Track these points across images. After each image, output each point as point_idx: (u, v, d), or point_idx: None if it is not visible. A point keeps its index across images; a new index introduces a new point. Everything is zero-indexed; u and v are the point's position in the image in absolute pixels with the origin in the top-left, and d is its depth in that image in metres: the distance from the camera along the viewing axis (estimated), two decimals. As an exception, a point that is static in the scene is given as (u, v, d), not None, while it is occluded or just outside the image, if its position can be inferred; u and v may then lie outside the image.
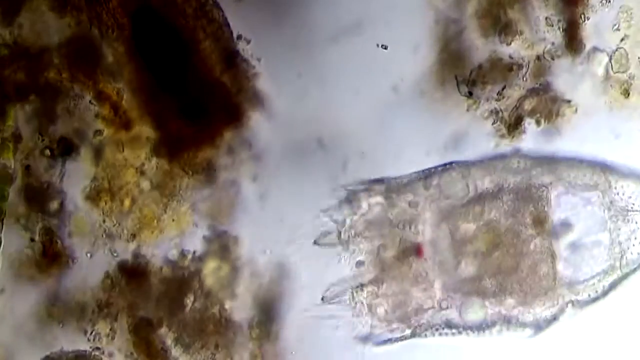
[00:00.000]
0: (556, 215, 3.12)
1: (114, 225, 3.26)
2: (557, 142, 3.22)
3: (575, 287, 3.12)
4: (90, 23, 3.19)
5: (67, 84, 3.22)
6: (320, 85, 3.25)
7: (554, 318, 3.15)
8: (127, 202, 3.25)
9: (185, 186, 3.26)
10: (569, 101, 3.20)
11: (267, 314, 3.27)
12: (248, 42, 3.23)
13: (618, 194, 3.13)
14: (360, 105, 3.25)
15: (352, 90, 3.24)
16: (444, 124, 3.23)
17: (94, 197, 3.25)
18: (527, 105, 3.21)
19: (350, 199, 3.20)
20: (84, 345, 3.25)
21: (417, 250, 3.14)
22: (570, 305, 3.14)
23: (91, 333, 3.25)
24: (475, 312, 3.12)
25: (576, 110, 3.20)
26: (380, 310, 3.15)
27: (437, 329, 3.17)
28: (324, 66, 3.25)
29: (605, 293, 3.15)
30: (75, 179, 3.26)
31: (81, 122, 3.25)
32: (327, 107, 3.25)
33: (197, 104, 3.21)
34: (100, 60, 3.21)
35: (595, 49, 3.20)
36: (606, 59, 3.20)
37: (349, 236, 3.19)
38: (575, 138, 3.22)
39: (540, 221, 3.11)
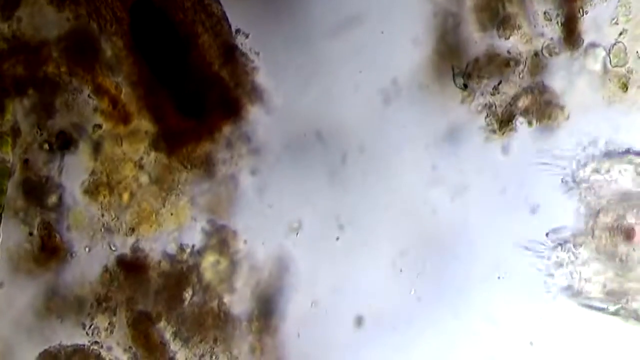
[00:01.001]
0: None
1: (112, 219, 3.26)
2: (554, 136, 3.23)
3: None
4: (89, 17, 3.19)
5: (65, 77, 3.22)
6: (320, 78, 3.25)
7: None
8: (125, 196, 3.25)
9: (184, 180, 3.26)
10: (562, 107, 3.21)
11: (266, 307, 3.27)
12: (247, 36, 3.23)
13: None
14: (359, 99, 3.26)
15: (352, 84, 3.25)
16: (439, 116, 3.24)
17: (92, 191, 3.25)
18: (521, 103, 3.21)
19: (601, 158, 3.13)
20: (82, 340, 3.25)
21: (629, 233, 3.09)
22: None
23: (90, 327, 3.25)
24: None
25: (568, 116, 3.21)
26: (592, 277, 3.10)
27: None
28: (324, 59, 3.25)
29: None
30: (74, 173, 3.26)
31: (80, 116, 3.24)
32: (326, 100, 3.26)
33: (196, 98, 3.21)
34: (99, 54, 3.21)
35: (593, 44, 3.21)
36: (604, 53, 3.21)
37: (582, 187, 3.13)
38: (573, 133, 3.22)
39: None
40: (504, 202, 3.25)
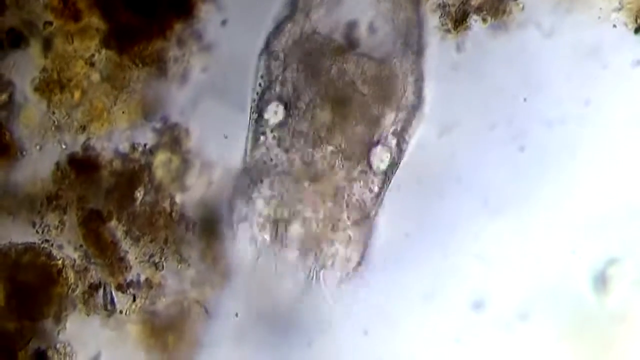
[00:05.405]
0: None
1: (63, 117, 3.24)
2: (503, 37, 3.22)
3: None
4: None
5: (15, -26, 3.20)
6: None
7: None
8: (77, 94, 3.24)
9: (135, 78, 3.24)
10: (516, 1, 3.21)
11: (217, 211, 3.26)
12: None
13: None
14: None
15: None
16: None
17: (43, 88, 3.23)
18: (474, 1, 3.21)
19: None
20: (33, 238, 3.24)
21: None
22: None
23: (40, 225, 3.23)
24: None
25: (523, 7, 3.20)
26: None
27: None
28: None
29: None
30: (25, 70, 3.24)
31: (30, 13, 3.22)
32: None
33: (147, -5, 3.20)
34: (49, -50, 3.19)
35: (547, -58, 3.20)
36: (559, -49, 3.20)
37: None
38: (520, 34, 3.21)
39: None
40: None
